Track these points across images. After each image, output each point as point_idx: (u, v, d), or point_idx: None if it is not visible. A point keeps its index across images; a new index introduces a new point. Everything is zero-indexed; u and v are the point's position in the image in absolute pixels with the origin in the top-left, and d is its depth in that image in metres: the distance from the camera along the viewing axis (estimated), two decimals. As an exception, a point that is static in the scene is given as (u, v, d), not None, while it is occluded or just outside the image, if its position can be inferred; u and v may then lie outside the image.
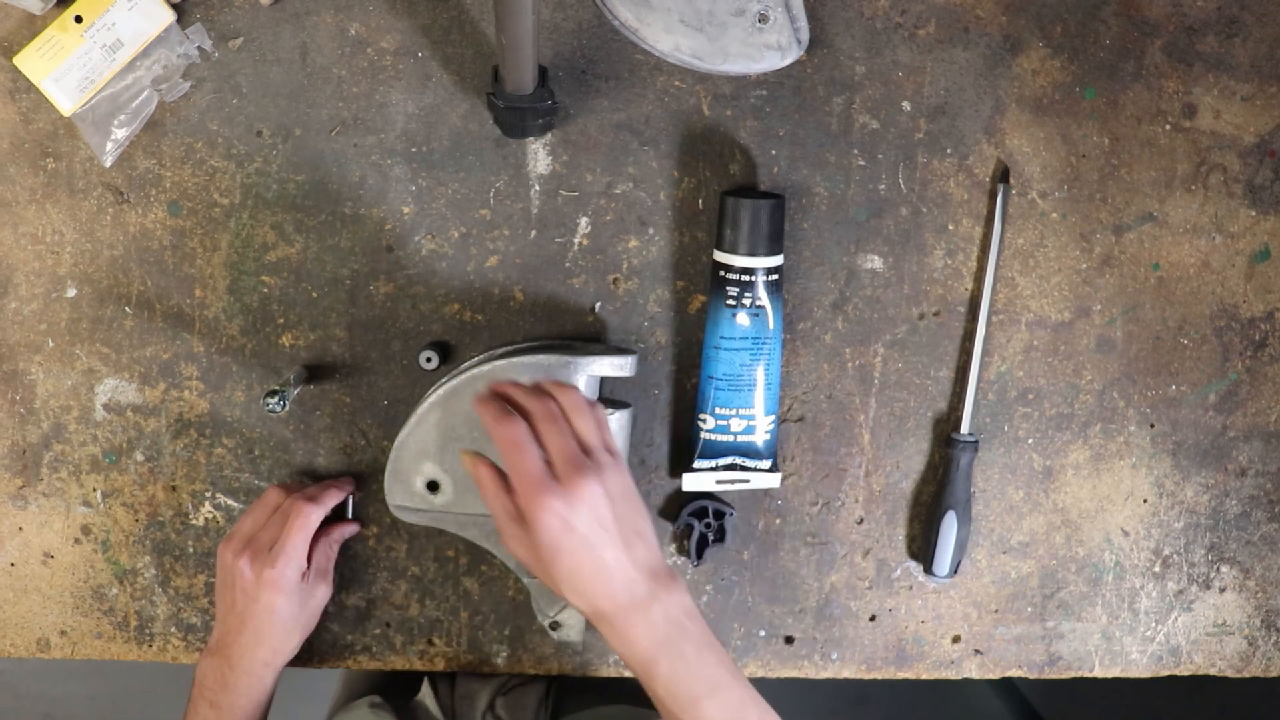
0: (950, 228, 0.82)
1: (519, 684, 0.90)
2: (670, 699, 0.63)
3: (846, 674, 0.89)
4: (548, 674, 0.87)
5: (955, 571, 0.84)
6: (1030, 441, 0.86)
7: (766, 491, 0.85)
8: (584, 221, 0.80)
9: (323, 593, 0.79)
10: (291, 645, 0.78)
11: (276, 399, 0.72)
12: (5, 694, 1.91)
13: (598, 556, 0.63)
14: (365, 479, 0.83)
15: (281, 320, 0.80)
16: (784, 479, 0.85)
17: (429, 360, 0.78)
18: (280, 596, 0.75)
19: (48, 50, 0.74)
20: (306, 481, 0.82)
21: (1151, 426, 0.86)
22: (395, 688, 0.92)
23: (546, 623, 0.81)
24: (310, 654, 0.85)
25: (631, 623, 0.63)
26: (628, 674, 0.87)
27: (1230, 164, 0.83)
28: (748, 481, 0.82)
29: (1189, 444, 0.87)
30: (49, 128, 0.77)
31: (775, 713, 0.65)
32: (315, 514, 0.76)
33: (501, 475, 0.64)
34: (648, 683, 0.64)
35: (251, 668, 0.76)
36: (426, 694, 0.84)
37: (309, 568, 0.78)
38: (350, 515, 0.83)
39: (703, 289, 0.82)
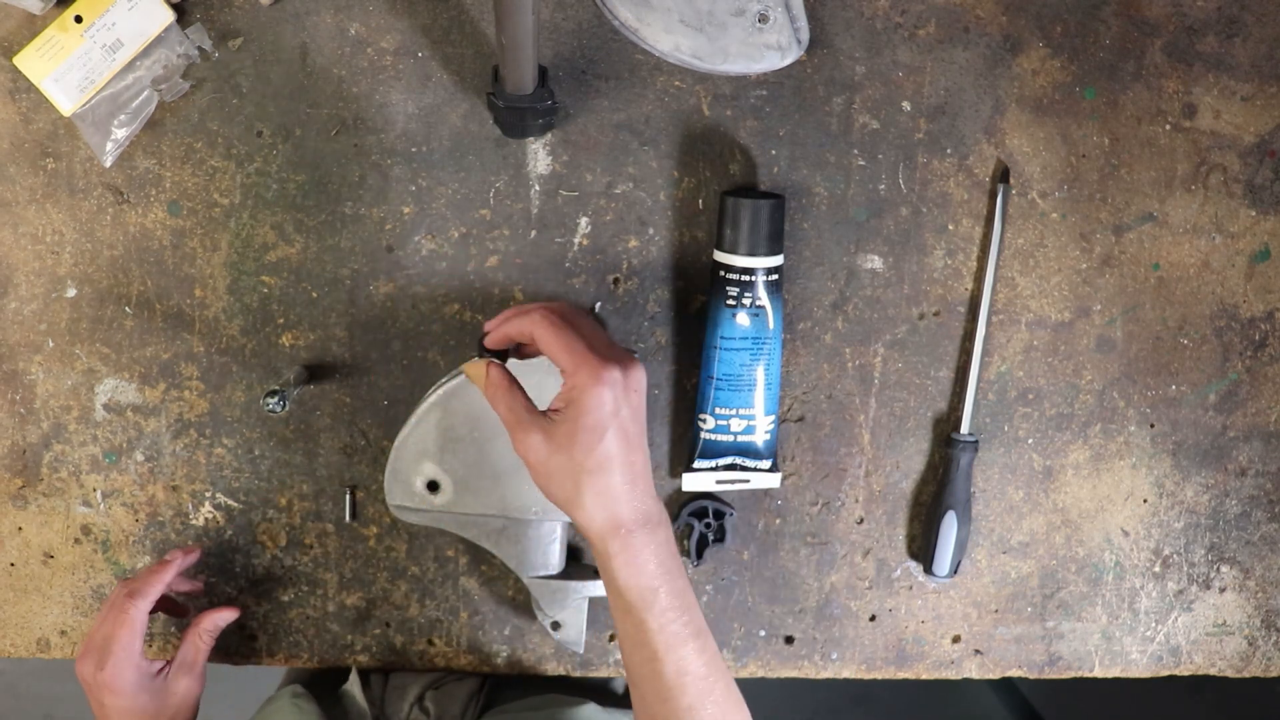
0: (950, 228, 0.82)
1: (453, 679, 0.89)
2: (660, 632, 0.59)
3: (846, 674, 0.89)
4: (545, 675, 0.87)
5: (955, 571, 0.84)
6: (1030, 441, 0.86)
7: (766, 491, 0.85)
8: (584, 221, 0.80)
9: (186, 685, 0.76)
10: None
11: (276, 399, 0.72)
12: (5, 694, 1.91)
13: (630, 455, 0.58)
14: (365, 479, 0.83)
15: (281, 320, 0.80)
16: (784, 479, 0.85)
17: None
18: (120, 698, 0.72)
19: (48, 50, 0.74)
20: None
21: (1151, 426, 0.86)
22: (325, 679, 0.91)
23: (547, 623, 0.81)
24: (310, 653, 0.85)
25: (645, 541, 0.58)
26: (599, 675, 0.87)
27: (1230, 164, 0.83)
28: (748, 481, 0.82)
29: (1189, 444, 0.87)
30: (49, 128, 0.77)
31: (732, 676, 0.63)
32: (135, 606, 0.73)
33: (511, 376, 0.60)
34: (642, 614, 0.59)
35: None
36: (354, 683, 0.83)
37: (170, 661, 0.76)
38: (351, 517, 0.83)
39: (703, 289, 0.82)
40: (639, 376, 0.59)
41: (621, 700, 0.93)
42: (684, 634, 0.59)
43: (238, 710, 0.80)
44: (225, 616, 0.79)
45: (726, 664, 0.63)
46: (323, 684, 0.88)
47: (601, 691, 0.93)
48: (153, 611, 0.79)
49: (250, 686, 0.86)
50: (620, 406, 0.58)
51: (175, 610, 0.82)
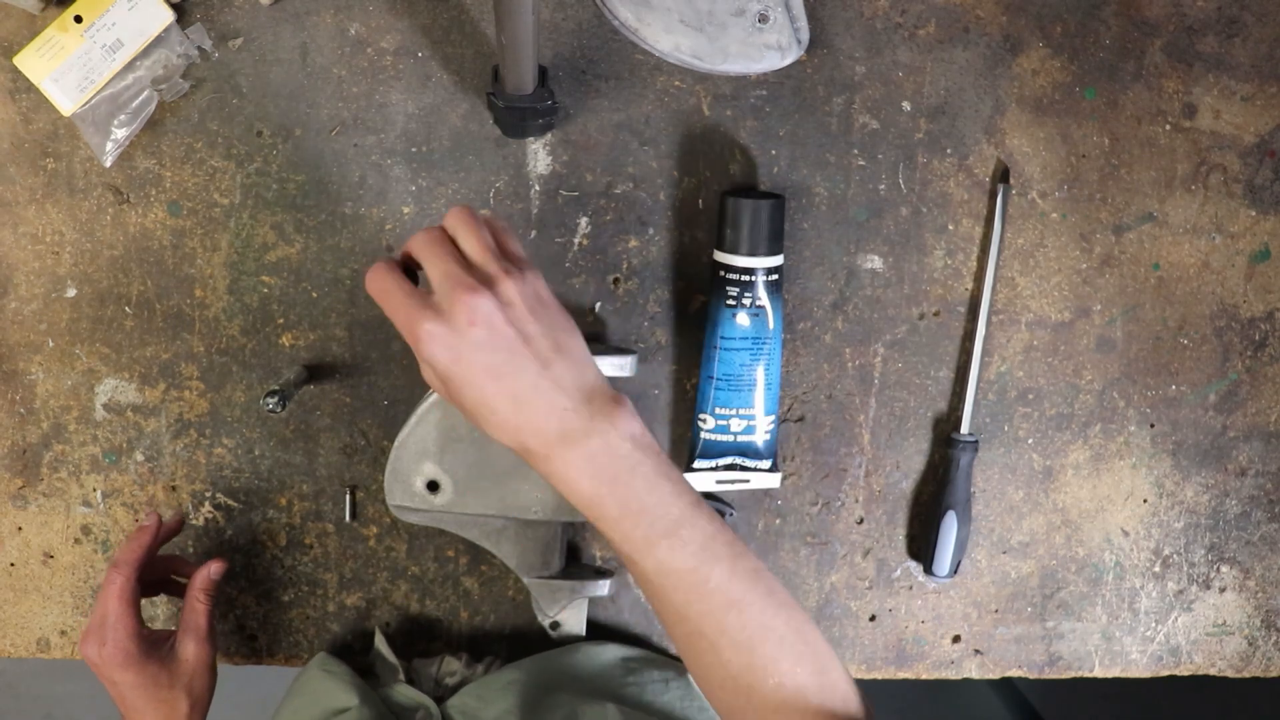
0: (950, 228, 0.82)
1: None
2: (624, 542, 0.55)
3: (846, 674, 0.89)
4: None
5: (955, 571, 0.84)
6: (1030, 441, 0.86)
7: (766, 491, 0.85)
8: (584, 221, 0.80)
9: (194, 650, 0.74)
10: (180, 715, 0.73)
11: (276, 399, 0.72)
12: (5, 694, 1.91)
13: (507, 386, 0.53)
14: (365, 479, 0.83)
15: (281, 320, 0.80)
16: (784, 479, 0.85)
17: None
18: (128, 671, 0.71)
19: (48, 50, 0.74)
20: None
21: (1151, 426, 0.86)
22: (351, 650, 0.90)
23: (546, 623, 0.81)
24: (310, 654, 0.85)
25: (568, 460, 0.54)
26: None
27: (1230, 164, 0.83)
28: (748, 481, 0.82)
29: (1189, 444, 0.87)
30: (49, 128, 0.77)
31: (746, 547, 0.57)
32: (118, 575, 0.71)
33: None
34: (597, 525, 0.56)
35: None
36: (381, 642, 0.82)
37: (176, 630, 0.75)
38: (351, 517, 0.83)
39: (703, 289, 0.82)
40: (472, 307, 0.52)
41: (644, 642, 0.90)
42: (651, 536, 0.55)
43: (238, 710, 0.80)
44: (216, 569, 0.76)
45: (725, 533, 0.57)
46: (350, 660, 0.87)
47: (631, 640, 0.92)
48: (155, 593, 0.79)
49: (250, 686, 0.86)
50: (460, 352, 0.52)
51: (178, 591, 0.81)
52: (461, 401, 0.54)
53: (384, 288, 0.54)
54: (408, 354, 0.81)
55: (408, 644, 0.85)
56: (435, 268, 0.54)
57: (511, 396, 0.53)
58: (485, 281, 0.53)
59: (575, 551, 0.84)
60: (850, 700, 0.58)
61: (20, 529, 0.83)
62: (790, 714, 0.56)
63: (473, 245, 0.54)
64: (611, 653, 0.81)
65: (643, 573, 0.56)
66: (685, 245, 0.81)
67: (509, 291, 0.53)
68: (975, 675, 0.89)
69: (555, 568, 0.79)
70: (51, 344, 0.80)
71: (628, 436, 0.55)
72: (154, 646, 0.73)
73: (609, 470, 0.54)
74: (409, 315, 0.52)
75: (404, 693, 0.76)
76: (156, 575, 0.79)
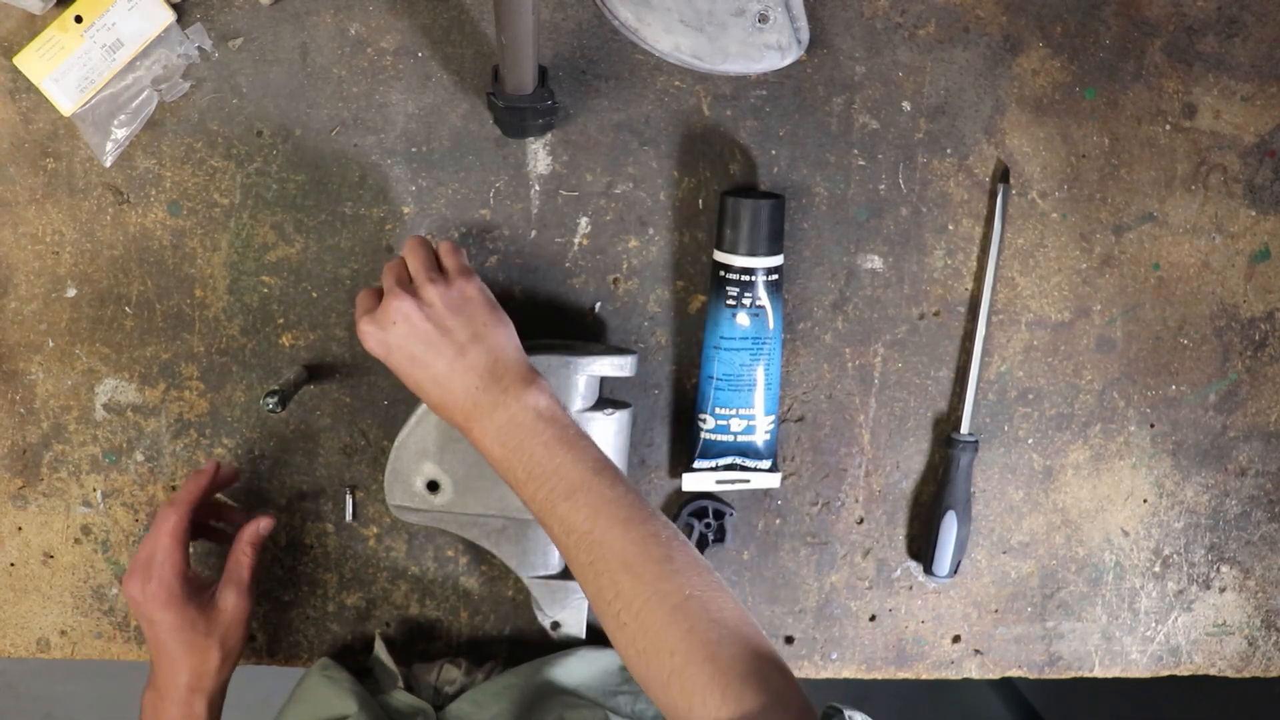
0: (950, 228, 0.82)
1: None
2: (532, 502, 0.63)
3: (846, 674, 0.89)
4: None
5: (955, 571, 0.84)
6: (1030, 441, 0.86)
7: (766, 491, 0.85)
8: (584, 221, 0.80)
9: (234, 602, 0.73)
10: (211, 666, 0.72)
11: (276, 399, 0.72)
12: (5, 694, 1.91)
13: (428, 370, 0.64)
14: (365, 479, 0.83)
15: (281, 320, 0.80)
16: (784, 479, 0.85)
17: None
18: (168, 611, 0.70)
19: (48, 50, 0.74)
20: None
21: (1151, 426, 0.86)
22: (352, 654, 0.90)
23: (547, 623, 0.81)
24: (310, 654, 0.85)
25: (483, 430, 0.64)
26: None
27: (1230, 164, 0.83)
28: (748, 481, 0.82)
29: (1189, 444, 0.87)
30: (49, 128, 0.77)
31: (650, 513, 0.61)
32: (174, 513, 0.71)
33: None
34: (513, 490, 0.64)
35: (178, 695, 0.72)
36: (381, 649, 0.82)
37: (220, 577, 0.75)
38: (351, 517, 0.83)
39: (703, 289, 0.82)
40: (394, 309, 0.64)
41: None
42: (552, 498, 0.62)
43: (239, 710, 0.80)
44: (265, 525, 0.76)
45: (628, 498, 0.61)
46: (351, 660, 0.87)
47: None
48: (197, 537, 0.79)
49: (250, 686, 0.86)
50: (389, 342, 0.65)
51: (221, 538, 0.81)
52: (404, 381, 0.66)
53: (357, 306, 0.67)
54: (408, 354, 0.81)
55: (407, 644, 0.85)
56: (384, 284, 0.66)
57: (433, 379, 0.64)
58: (413, 289, 0.65)
59: (575, 551, 0.84)
60: (749, 676, 0.54)
61: (20, 529, 0.83)
62: (681, 689, 0.54)
63: (413, 263, 0.67)
64: (608, 659, 0.81)
65: (553, 534, 0.62)
66: (685, 245, 0.81)
67: (430, 295, 0.65)
68: (975, 675, 0.89)
69: (555, 568, 0.79)
70: (51, 344, 0.80)
71: (530, 409, 0.63)
72: (197, 591, 0.73)
73: (514, 438, 0.63)
74: (357, 320, 0.66)
75: (402, 699, 0.76)
76: (202, 518, 0.78)
